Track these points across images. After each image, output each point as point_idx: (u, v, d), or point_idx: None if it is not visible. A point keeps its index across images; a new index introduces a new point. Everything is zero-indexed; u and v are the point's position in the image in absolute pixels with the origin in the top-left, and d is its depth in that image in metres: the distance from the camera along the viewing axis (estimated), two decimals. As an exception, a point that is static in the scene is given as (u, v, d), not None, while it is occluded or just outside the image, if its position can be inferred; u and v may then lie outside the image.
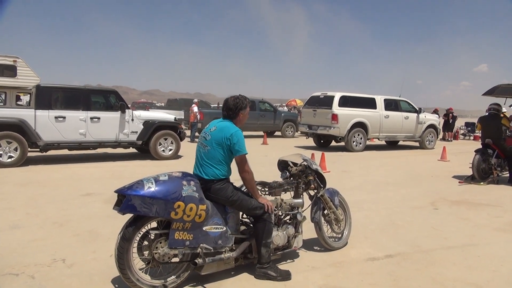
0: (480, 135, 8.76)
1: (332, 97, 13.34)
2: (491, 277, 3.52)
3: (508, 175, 8.22)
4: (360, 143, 13.64)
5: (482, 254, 4.07)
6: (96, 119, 9.21)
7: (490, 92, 8.53)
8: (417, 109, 14.93)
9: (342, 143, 13.82)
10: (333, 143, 14.75)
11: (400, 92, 16.99)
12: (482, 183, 7.92)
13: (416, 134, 14.96)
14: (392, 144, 16.25)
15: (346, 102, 13.45)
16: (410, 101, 14.99)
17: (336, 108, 13.13)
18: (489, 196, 6.87)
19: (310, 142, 15.52)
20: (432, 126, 15.35)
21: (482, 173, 8.09)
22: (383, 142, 16.36)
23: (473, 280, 3.43)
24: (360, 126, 13.57)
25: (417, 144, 15.82)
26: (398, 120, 14.35)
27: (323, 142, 14.86)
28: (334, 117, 13.04)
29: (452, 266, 3.74)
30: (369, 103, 13.93)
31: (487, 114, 8.43)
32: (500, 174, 8.26)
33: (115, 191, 2.90)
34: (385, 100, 14.24)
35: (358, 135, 13.55)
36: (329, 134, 13.55)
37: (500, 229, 4.99)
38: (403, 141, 15.61)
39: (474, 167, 8.04)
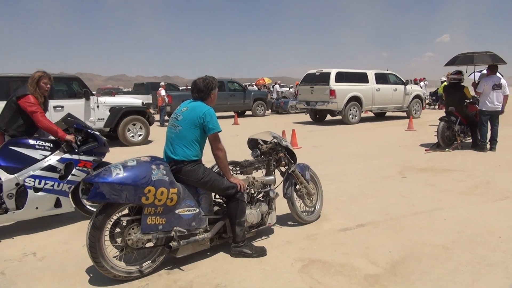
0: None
1: (329, 74, 14.05)
2: (456, 238, 3.70)
3: (471, 140, 8.57)
4: (355, 116, 14.42)
5: (448, 217, 4.26)
6: (60, 108, 8.87)
7: (451, 62, 8.78)
8: (404, 81, 15.83)
9: (336, 118, 14.66)
10: (302, 119, 15.03)
11: (387, 66, 18.11)
12: (447, 149, 8.22)
13: (404, 104, 15.86)
14: (380, 116, 17.10)
15: (341, 77, 14.14)
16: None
17: (333, 84, 13.84)
18: (454, 162, 7.15)
19: (287, 118, 15.77)
20: (417, 96, 16.33)
21: (447, 140, 8.38)
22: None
23: (440, 242, 3.60)
24: (355, 100, 14.33)
25: (390, 114, 16.66)
26: (388, 93, 15.24)
27: (319, 117, 15.65)
28: (332, 92, 13.74)
29: (420, 231, 3.90)
30: (362, 78, 14.73)
31: (449, 83, 8.69)
32: (463, 140, 8.60)
33: (82, 180, 2.82)
34: (375, 74, 15.04)
35: (354, 108, 14.30)
36: (327, 109, 14.29)
37: (464, 192, 5.23)
38: (392, 112, 16.35)
39: (439, 135, 8.31)
